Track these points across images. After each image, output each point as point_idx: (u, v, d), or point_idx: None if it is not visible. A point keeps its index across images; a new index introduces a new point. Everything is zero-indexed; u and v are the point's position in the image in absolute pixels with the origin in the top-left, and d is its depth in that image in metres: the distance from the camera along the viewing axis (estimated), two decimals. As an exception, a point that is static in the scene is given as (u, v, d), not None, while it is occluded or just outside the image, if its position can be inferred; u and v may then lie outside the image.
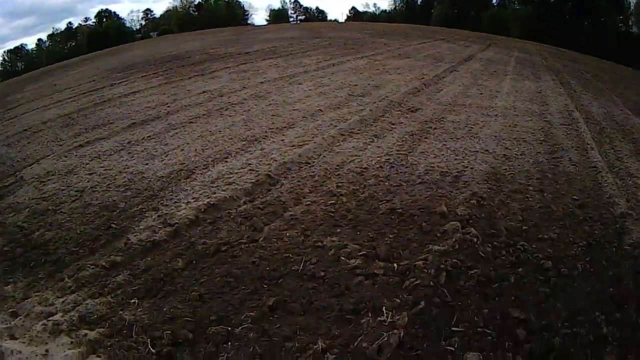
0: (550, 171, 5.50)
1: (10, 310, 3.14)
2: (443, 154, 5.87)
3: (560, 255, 3.59)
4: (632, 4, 55.73)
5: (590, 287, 3.25)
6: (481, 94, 10.18)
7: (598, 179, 5.38)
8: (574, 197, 4.75)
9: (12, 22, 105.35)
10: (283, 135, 6.66)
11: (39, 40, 73.33)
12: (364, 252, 3.55)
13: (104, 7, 78.27)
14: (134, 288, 3.29)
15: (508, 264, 3.45)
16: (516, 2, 65.57)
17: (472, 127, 7.24)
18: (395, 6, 77.20)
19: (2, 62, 71.99)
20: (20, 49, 73.06)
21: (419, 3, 75.81)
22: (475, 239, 3.65)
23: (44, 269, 3.69)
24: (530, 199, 4.60)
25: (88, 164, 6.09)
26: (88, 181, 5.44)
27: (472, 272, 3.29)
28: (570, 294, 3.17)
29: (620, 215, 4.37)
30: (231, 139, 6.61)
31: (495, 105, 9.05)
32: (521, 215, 4.23)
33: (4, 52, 72.97)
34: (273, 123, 7.33)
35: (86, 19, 74.17)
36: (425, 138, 6.58)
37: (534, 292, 3.16)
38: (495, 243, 3.69)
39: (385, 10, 78.79)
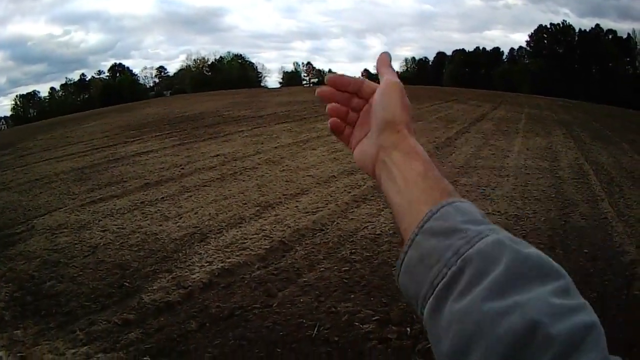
0: (562, 227, 5.85)
1: (19, 354, 3.37)
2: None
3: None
4: (639, 44, 57.55)
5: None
6: (493, 154, 10.72)
7: (608, 229, 5.74)
8: (585, 250, 5.08)
9: (23, 67, 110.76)
10: (297, 201, 7.02)
11: (52, 88, 76.51)
12: (378, 317, 3.79)
13: (117, 62, 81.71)
14: (146, 346, 3.51)
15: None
16: (526, 57, 68.02)
17: (484, 189, 7.63)
18: (407, 67, 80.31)
19: (14, 107, 74.80)
20: (32, 95, 76.01)
21: (430, 63, 78.83)
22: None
23: (54, 319, 3.92)
24: (542, 257, 4.89)
25: (101, 220, 6.46)
26: (101, 238, 5.77)
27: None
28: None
29: (630, 262, 4.69)
30: (245, 204, 6.96)
31: (507, 165, 9.55)
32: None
33: (16, 96, 76.01)
34: (287, 189, 7.73)
35: (99, 72, 77.74)
36: (438, 202, 6.90)
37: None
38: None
39: (398, 71, 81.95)
